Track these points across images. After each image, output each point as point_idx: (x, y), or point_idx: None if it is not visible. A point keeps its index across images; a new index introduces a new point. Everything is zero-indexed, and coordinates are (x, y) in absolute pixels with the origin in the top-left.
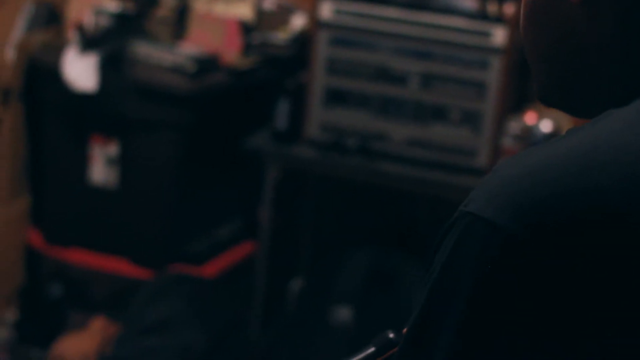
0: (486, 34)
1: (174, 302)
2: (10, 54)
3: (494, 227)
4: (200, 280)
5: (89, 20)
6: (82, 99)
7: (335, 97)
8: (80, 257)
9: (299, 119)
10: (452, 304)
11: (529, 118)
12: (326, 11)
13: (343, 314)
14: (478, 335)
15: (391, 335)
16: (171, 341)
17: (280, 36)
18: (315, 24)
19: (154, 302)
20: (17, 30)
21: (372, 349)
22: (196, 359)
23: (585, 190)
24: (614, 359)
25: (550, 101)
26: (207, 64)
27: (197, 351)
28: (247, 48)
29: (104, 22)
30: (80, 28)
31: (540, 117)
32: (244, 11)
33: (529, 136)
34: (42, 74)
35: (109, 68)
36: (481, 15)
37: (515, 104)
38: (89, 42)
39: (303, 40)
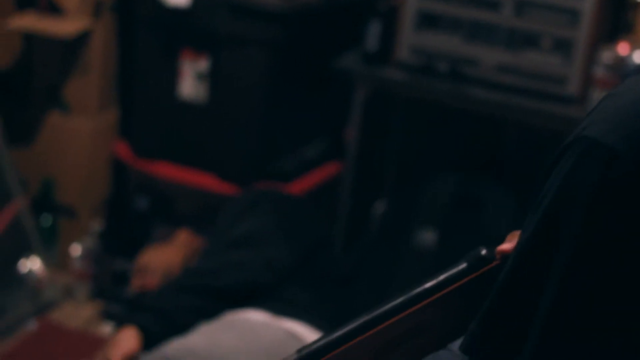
0: None
1: (260, 217)
2: None
3: (615, 153)
4: (287, 196)
5: None
6: (174, 14)
7: (427, 20)
8: (166, 171)
9: (390, 41)
10: (567, 226)
11: (622, 48)
12: None
13: (426, 237)
14: (592, 257)
15: (484, 252)
16: (256, 255)
17: None
18: None
19: (241, 217)
20: None
21: (463, 265)
22: (281, 274)
23: None
24: None
25: None
26: None
27: (282, 266)
28: None
29: None
30: None
31: (634, 47)
32: None
33: (621, 66)
34: None
35: None
36: None
37: (609, 33)
38: None
39: None
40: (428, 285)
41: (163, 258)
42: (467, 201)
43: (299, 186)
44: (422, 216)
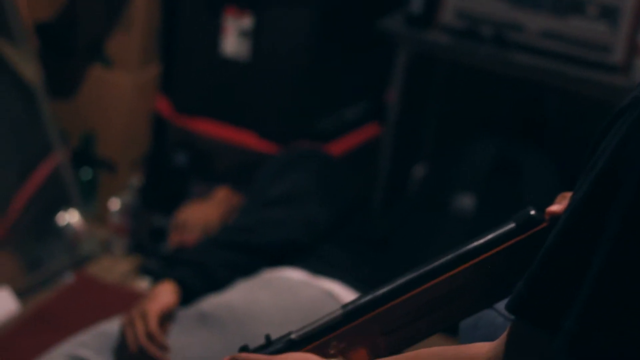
0: None
1: (300, 177)
2: None
3: None
4: (327, 157)
5: None
6: None
7: None
8: (206, 128)
9: (435, 4)
10: (622, 189)
11: None
12: None
13: (465, 201)
14: None
15: (532, 212)
16: (295, 214)
17: None
18: None
19: (280, 175)
20: None
21: (512, 225)
22: (319, 233)
23: None
24: None
25: None
26: None
27: (320, 226)
28: None
29: None
30: None
31: None
32: None
33: None
34: None
35: None
36: None
37: None
38: None
39: None
40: (476, 244)
41: (201, 214)
42: (506, 167)
43: (338, 147)
44: (461, 180)
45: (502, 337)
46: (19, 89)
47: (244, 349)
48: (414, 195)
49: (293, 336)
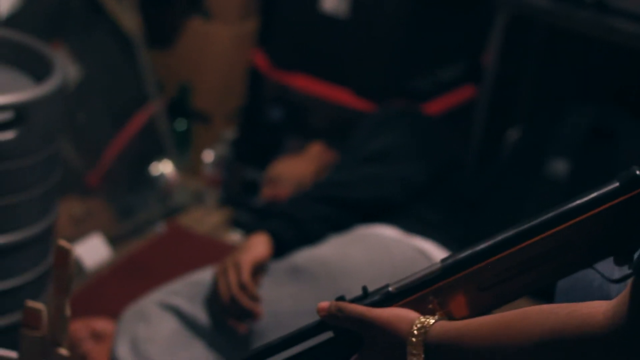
0: None
1: (396, 134)
2: None
3: None
4: (424, 116)
5: None
6: None
7: None
8: (302, 84)
9: None
10: None
11: None
12: None
13: (558, 167)
14: None
15: (638, 172)
16: (390, 171)
17: None
18: None
19: (377, 132)
20: None
21: (615, 185)
22: (413, 192)
23: None
24: None
25: None
26: None
27: (415, 184)
28: None
29: None
30: None
31: None
32: None
33: None
34: None
35: None
36: None
37: None
38: None
39: None
40: (578, 203)
41: (295, 169)
42: (602, 134)
43: (434, 107)
44: (555, 146)
45: (623, 296)
46: (118, 39)
47: (341, 299)
48: (507, 159)
49: (390, 289)
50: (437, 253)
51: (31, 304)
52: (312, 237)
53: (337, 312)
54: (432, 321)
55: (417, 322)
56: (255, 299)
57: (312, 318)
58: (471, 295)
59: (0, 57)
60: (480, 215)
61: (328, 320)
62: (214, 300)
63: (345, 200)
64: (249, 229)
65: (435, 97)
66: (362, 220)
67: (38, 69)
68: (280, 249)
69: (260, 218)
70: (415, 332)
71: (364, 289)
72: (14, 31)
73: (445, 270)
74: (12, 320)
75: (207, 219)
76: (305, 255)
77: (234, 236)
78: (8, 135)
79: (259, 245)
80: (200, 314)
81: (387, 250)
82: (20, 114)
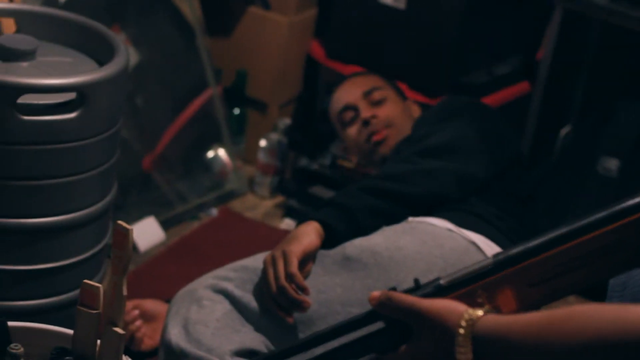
0: None
1: (459, 128)
2: None
3: None
4: (489, 109)
5: None
6: None
7: None
8: None
9: None
10: None
11: None
12: None
13: (610, 165)
14: None
15: None
16: (451, 166)
17: None
18: None
19: (438, 125)
20: None
21: None
22: (471, 188)
23: None
24: None
25: None
26: None
27: (475, 181)
28: None
29: None
30: None
31: None
32: None
33: None
34: None
35: None
36: None
37: None
38: None
39: None
40: (632, 202)
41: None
42: None
43: (488, 102)
44: (607, 144)
45: None
46: (178, 24)
47: (393, 289)
48: (559, 155)
49: (442, 282)
50: (488, 247)
51: (89, 282)
52: (364, 228)
53: (387, 302)
54: (480, 314)
55: (465, 314)
56: (303, 290)
57: (362, 307)
58: (521, 290)
59: (64, 39)
60: (532, 210)
61: (379, 309)
62: (263, 288)
63: (399, 193)
64: (300, 218)
65: (489, 92)
66: (415, 213)
67: (101, 52)
68: (331, 239)
69: (312, 207)
70: (464, 324)
71: (416, 280)
72: (77, 14)
73: (497, 265)
74: (69, 298)
75: (259, 205)
76: (356, 245)
77: (286, 224)
78: (70, 115)
79: (310, 234)
80: (251, 300)
81: (439, 242)
82: (83, 95)
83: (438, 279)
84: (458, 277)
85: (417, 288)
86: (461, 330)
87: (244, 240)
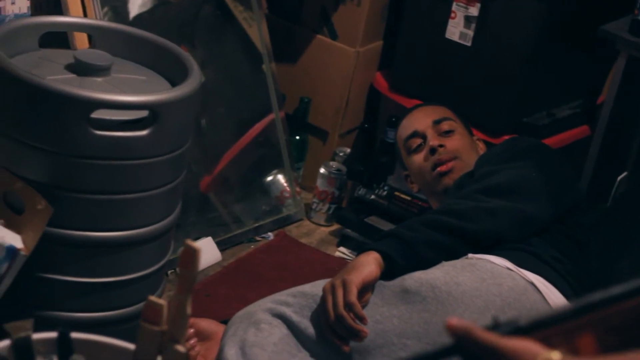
0: None
1: (524, 168)
2: None
3: None
4: (554, 152)
5: None
6: None
7: None
8: None
9: None
10: None
11: None
12: None
13: None
14: None
15: None
16: (513, 207)
17: None
18: None
19: (503, 164)
20: None
21: None
22: (533, 230)
23: None
24: None
25: None
26: None
27: (537, 223)
28: None
29: None
30: None
31: None
32: None
33: None
34: None
35: None
36: None
37: None
38: None
39: None
40: None
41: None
42: None
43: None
44: None
45: None
46: (246, 49)
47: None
48: (615, 201)
49: (521, 323)
50: (546, 288)
51: (153, 299)
52: (424, 262)
53: (465, 334)
54: (556, 357)
55: (540, 356)
56: (361, 319)
57: (418, 340)
58: (601, 336)
59: (137, 56)
60: (586, 255)
61: (456, 337)
62: (321, 315)
63: (461, 230)
64: (358, 247)
65: (550, 134)
66: (475, 250)
67: (174, 71)
68: (391, 270)
69: (371, 237)
70: None
71: (494, 318)
72: (154, 33)
73: (578, 310)
74: (128, 313)
75: (315, 232)
76: (415, 278)
77: (340, 252)
78: (142, 133)
79: (370, 264)
80: (308, 326)
81: (497, 280)
82: (155, 114)
83: (517, 319)
84: (538, 319)
85: (495, 326)
86: None
87: (299, 266)
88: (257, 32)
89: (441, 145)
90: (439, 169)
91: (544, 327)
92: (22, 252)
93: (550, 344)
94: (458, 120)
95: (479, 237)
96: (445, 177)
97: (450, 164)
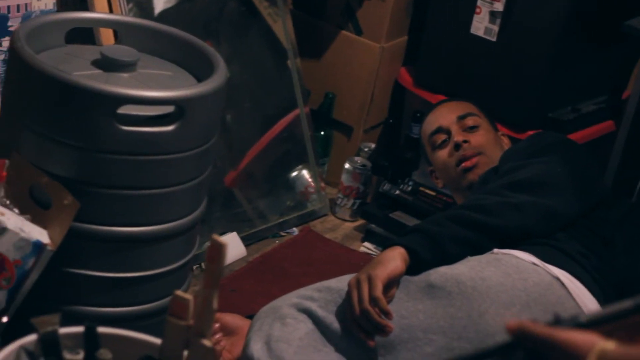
0: None
1: (549, 164)
2: None
3: None
4: (580, 148)
5: None
6: None
7: None
8: None
9: None
10: None
11: None
12: None
13: None
14: None
15: None
16: (539, 202)
17: None
18: None
19: (529, 159)
20: None
21: None
22: (559, 224)
23: None
24: None
25: None
26: None
27: (563, 218)
28: None
29: None
30: None
31: None
32: None
33: None
34: None
35: None
36: None
37: None
38: None
39: None
40: None
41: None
42: None
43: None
44: None
45: None
46: (270, 44)
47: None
48: (637, 199)
49: (581, 318)
50: (572, 283)
51: (179, 293)
52: (449, 257)
53: (524, 330)
54: (611, 346)
55: (598, 345)
56: (386, 314)
57: (443, 335)
58: None
59: (163, 52)
60: (611, 251)
61: (517, 335)
62: (346, 310)
63: (486, 225)
64: (382, 242)
65: (575, 130)
66: (500, 246)
67: (200, 67)
68: (416, 265)
69: (396, 232)
70: (594, 354)
71: (556, 315)
72: (179, 29)
73: (637, 306)
74: (154, 308)
75: (340, 227)
76: (440, 273)
77: (365, 247)
78: (168, 128)
79: (395, 259)
80: (333, 321)
81: (523, 275)
82: (181, 109)
83: (578, 316)
84: (598, 314)
85: (556, 322)
86: (591, 358)
87: (323, 261)
88: (282, 27)
89: (465, 141)
90: (463, 164)
91: (604, 323)
92: (49, 247)
93: (612, 338)
94: (482, 116)
95: (504, 232)
96: (470, 173)
97: (474, 160)
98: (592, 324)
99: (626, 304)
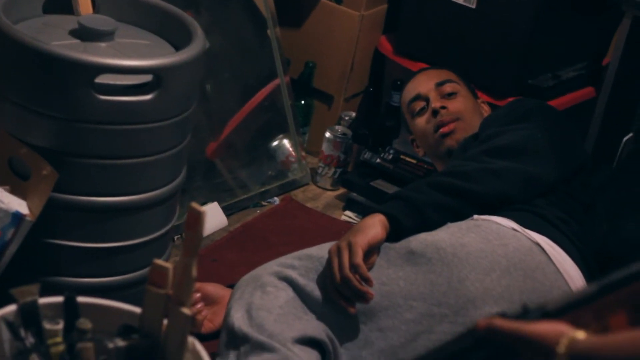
0: None
1: (529, 130)
2: None
3: None
4: (560, 114)
5: None
6: None
7: None
8: None
9: None
10: None
11: None
12: None
13: None
14: None
15: None
16: (518, 168)
17: None
18: None
19: (508, 126)
20: None
21: None
22: (537, 191)
23: None
24: None
25: None
26: None
27: (542, 184)
28: None
29: None
30: None
31: None
32: None
33: None
34: None
35: None
36: None
37: None
38: None
39: None
40: None
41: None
42: None
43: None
44: None
45: None
46: (250, 14)
47: (503, 315)
48: (620, 162)
49: (549, 307)
50: (551, 248)
51: (158, 262)
52: (430, 224)
53: (492, 327)
54: (580, 335)
55: (566, 334)
56: (366, 281)
57: (423, 301)
58: (632, 314)
59: (141, 21)
60: (592, 216)
61: (486, 334)
62: (327, 278)
63: (466, 191)
64: (362, 210)
65: (555, 96)
66: (480, 212)
67: (178, 36)
68: (397, 232)
69: (376, 200)
70: (564, 342)
71: (524, 306)
72: None
73: (602, 289)
74: (135, 277)
75: (321, 196)
76: (420, 240)
77: (346, 216)
78: (146, 97)
79: (375, 226)
80: (314, 288)
81: (503, 241)
82: (159, 78)
83: (545, 305)
84: (564, 302)
85: (524, 314)
86: (561, 349)
87: (304, 230)
88: None
89: (443, 107)
90: (441, 130)
91: (571, 310)
92: (28, 218)
93: (581, 324)
94: (461, 83)
95: (484, 198)
96: (448, 139)
97: (452, 125)
98: (560, 312)
99: (591, 288)
